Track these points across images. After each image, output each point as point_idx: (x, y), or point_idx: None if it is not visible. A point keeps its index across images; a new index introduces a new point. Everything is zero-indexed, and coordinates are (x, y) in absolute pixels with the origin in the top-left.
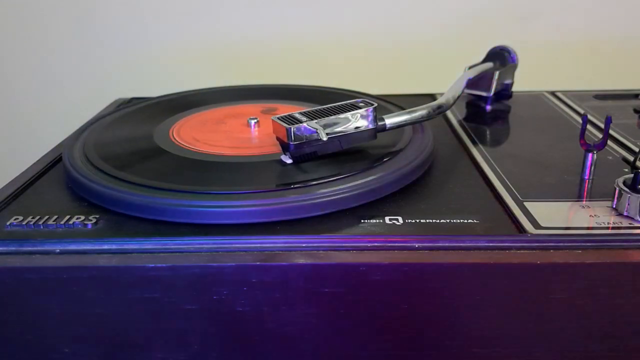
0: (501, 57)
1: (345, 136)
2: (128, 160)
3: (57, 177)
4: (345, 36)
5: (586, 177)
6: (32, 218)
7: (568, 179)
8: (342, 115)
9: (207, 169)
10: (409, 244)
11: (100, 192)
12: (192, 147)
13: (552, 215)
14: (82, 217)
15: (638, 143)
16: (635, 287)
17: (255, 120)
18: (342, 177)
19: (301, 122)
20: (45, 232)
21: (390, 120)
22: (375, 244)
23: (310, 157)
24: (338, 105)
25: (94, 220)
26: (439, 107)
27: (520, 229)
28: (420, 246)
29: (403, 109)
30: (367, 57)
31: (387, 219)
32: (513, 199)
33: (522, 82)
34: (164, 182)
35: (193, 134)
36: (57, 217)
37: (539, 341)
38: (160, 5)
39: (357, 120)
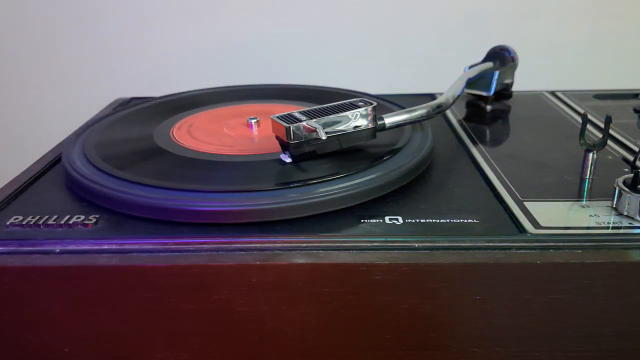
0: (501, 57)
1: (345, 135)
2: (128, 160)
3: (57, 177)
4: (344, 36)
5: (586, 177)
6: (32, 218)
7: (568, 179)
8: (341, 115)
9: (206, 168)
10: (409, 244)
11: (99, 192)
12: (191, 146)
13: (552, 215)
14: (82, 217)
15: (638, 143)
16: (635, 287)
17: (255, 120)
18: (342, 176)
19: (300, 121)
20: (45, 232)
21: (389, 120)
22: (375, 244)
23: (309, 156)
24: (337, 105)
25: (94, 220)
26: (439, 106)
27: (520, 229)
28: (420, 246)
29: (402, 108)
30: (366, 56)
31: (387, 219)
32: (513, 198)
33: (522, 82)
34: (163, 181)
35: (193, 134)
36: (57, 217)
37: (539, 341)
38: (161, 6)
39: (356, 120)
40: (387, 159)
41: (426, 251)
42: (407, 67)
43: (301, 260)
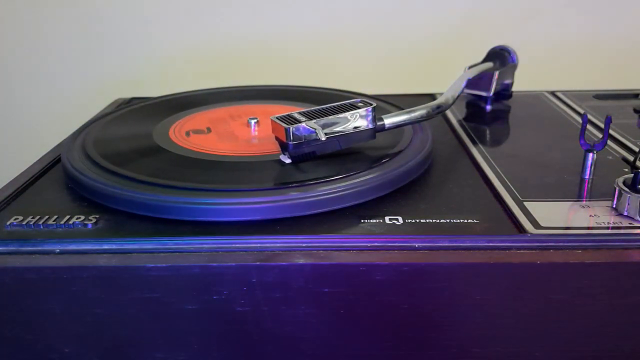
0: (501, 57)
1: (344, 136)
2: (128, 159)
3: (57, 177)
4: (344, 36)
5: (586, 177)
6: (32, 218)
7: (568, 179)
8: (341, 115)
9: (207, 167)
10: (409, 244)
11: (99, 190)
12: (191, 146)
13: (552, 215)
14: (82, 217)
15: (638, 143)
16: (635, 287)
17: (256, 120)
18: (342, 177)
19: (300, 122)
20: (45, 232)
21: (389, 120)
22: (375, 244)
23: (309, 157)
24: (337, 105)
25: (94, 220)
26: (438, 106)
27: (520, 229)
28: (420, 246)
29: (402, 109)
30: (367, 57)
31: (387, 219)
32: (513, 199)
33: (522, 82)
34: (163, 179)
35: (193, 133)
36: (57, 217)
37: (539, 341)
38: (161, 6)
39: (356, 120)
40: (387, 159)
41: (426, 251)
42: (407, 67)
43: (301, 260)
